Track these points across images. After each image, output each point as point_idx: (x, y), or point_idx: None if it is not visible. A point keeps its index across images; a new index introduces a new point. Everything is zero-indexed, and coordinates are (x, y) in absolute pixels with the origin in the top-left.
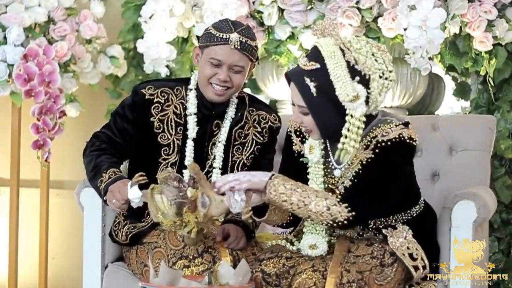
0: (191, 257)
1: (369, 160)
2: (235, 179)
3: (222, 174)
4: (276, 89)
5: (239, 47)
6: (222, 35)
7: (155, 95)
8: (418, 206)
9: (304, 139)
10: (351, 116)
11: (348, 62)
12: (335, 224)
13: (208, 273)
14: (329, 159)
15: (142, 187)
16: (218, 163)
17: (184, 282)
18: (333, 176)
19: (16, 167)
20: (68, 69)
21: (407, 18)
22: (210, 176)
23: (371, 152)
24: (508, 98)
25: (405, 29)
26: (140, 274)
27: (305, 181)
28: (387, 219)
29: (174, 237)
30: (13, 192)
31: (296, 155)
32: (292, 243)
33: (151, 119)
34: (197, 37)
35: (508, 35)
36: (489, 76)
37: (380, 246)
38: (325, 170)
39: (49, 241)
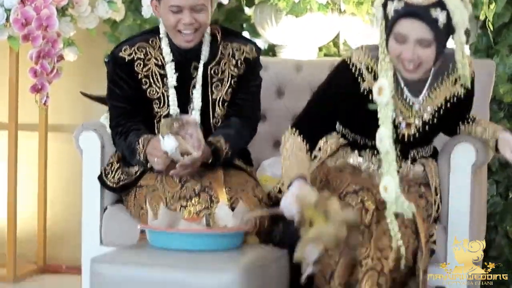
0: (188, 197)
1: (459, 96)
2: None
3: (201, 115)
4: (274, 33)
5: None
6: None
7: (133, 53)
8: None
9: (376, 77)
10: (459, 42)
11: None
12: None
13: (205, 215)
14: (405, 95)
15: None
16: (196, 104)
17: (184, 224)
18: (411, 110)
19: (14, 111)
20: (65, 14)
21: None
22: None
23: (462, 88)
24: (508, 43)
25: None
26: (137, 217)
27: (371, 126)
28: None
29: (171, 180)
30: (11, 136)
31: (362, 91)
32: None
33: (139, 76)
34: None
35: None
36: (488, 20)
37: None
38: (400, 106)
39: (48, 185)
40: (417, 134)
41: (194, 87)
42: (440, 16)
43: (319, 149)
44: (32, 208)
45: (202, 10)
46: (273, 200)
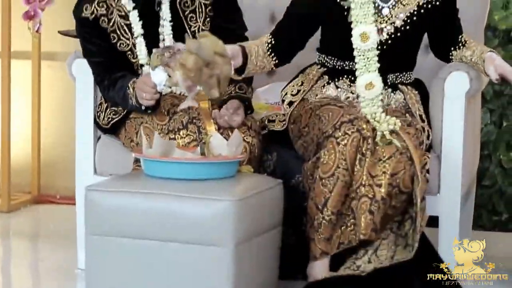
0: (176, 130)
1: (434, 2)
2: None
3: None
4: None
5: None
6: None
7: (95, 10)
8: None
9: None
10: None
11: None
12: None
13: (200, 144)
14: (373, 0)
15: None
16: (168, 42)
17: (178, 153)
18: (381, 15)
19: (7, 39)
20: None
21: None
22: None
23: None
24: None
25: None
26: (129, 148)
27: (340, 25)
28: (404, 74)
29: (160, 113)
30: (4, 64)
31: None
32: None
33: (107, 31)
34: None
35: None
36: None
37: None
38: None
39: (42, 113)
40: (389, 41)
41: (161, 25)
42: None
43: (302, 83)
44: (26, 137)
45: None
46: (264, 129)
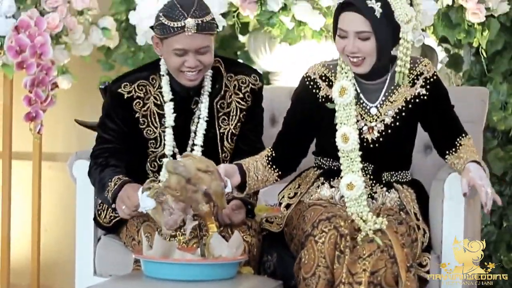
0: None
1: (422, 97)
2: None
3: (208, 149)
4: (268, 60)
5: (197, 31)
6: (176, 24)
7: (133, 91)
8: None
9: (331, 84)
10: (404, 39)
11: None
12: None
13: (200, 245)
14: (361, 100)
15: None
16: (199, 140)
17: (178, 254)
18: (370, 114)
19: (8, 139)
20: (60, 41)
21: None
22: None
23: (423, 89)
24: (501, 70)
25: None
26: (130, 247)
27: (329, 128)
28: (399, 172)
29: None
30: (5, 164)
31: (321, 100)
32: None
33: (136, 115)
34: (151, 27)
35: (501, 6)
36: (481, 47)
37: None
38: (359, 111)
39: (42, 214)
40: (381, 139)
41: (193, 122)
42: (375, 6)
43: (299, 185)
44: (26, 236)
45: (207, 52)
46: (263, 230)
